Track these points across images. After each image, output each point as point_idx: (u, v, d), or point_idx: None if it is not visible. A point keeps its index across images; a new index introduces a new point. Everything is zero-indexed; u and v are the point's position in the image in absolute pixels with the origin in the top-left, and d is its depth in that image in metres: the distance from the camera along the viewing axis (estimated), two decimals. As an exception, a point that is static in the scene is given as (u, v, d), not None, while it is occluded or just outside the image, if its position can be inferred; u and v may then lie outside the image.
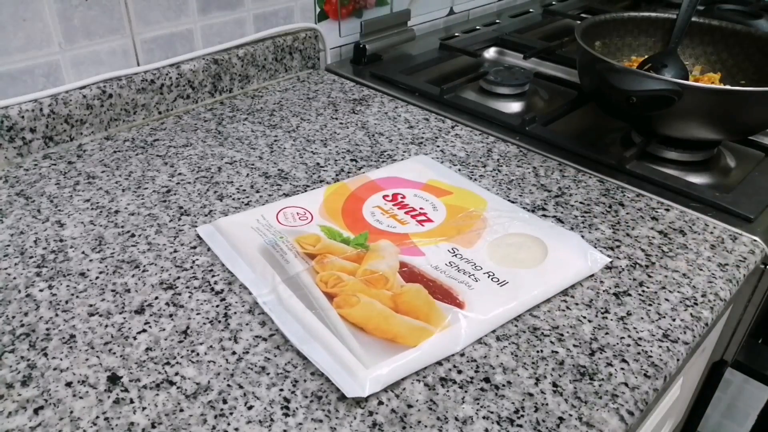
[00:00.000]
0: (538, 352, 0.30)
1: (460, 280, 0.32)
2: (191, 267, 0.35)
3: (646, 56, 0.58)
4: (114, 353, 0.29)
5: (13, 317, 0.31)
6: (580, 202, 0.42)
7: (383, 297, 0.31)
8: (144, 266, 0.35)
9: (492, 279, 0.33)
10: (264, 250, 0.34)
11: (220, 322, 0.31)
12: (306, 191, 0.42)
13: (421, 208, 0.38)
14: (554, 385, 0.28)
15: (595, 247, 0.37)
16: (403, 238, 0.36)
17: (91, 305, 0.32)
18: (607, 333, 0.31)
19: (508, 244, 0.35)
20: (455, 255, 0.34)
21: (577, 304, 0.33)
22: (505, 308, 0.31)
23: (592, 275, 0.35)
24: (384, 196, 0.39)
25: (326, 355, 0.28)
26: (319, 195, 0.40)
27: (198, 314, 0.31)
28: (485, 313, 0.30)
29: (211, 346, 0.29)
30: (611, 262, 0.36)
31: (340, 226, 0.36)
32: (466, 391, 0.27)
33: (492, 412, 0.27)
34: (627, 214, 0.41)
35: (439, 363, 0.29)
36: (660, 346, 0.30)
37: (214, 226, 0.37)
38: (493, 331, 0.31)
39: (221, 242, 0.36)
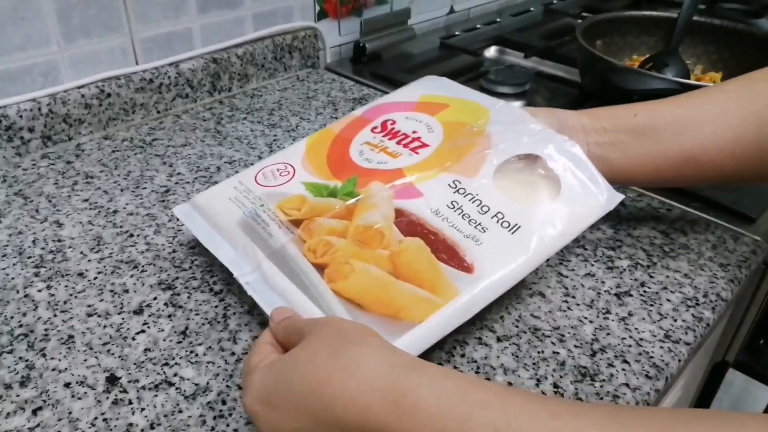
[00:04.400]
0: (539, 352, 0.30)
1: (465, 234, 0.28)
2: (190, 267, 0.35)
3: (648, 55, 0.58)
4: (113, 354, 0.29)
5: (12, 317, 0.31)
6: (581, 202, 0.42)
7: (380, 259, 0.27)
8: (143, 266, 0.34)
9: (502, 224, 0.28)
10: (244, 223, 0.30)
11: (219, 322, 0.31)
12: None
13: (414, 132, 0.32)
14: (555, 386, 0.28)
15: (596, 248, 0.37)
16: (396, 176, 0.30)
17: (89, 306, 0.32)
18: (608, 334, 0.31)
19: (517, 170, 0.30)
20: (457, 190, 0.29)
21: (578, 304, 0.33)
22: (518, 264, 0.27)
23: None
24: (373, 129, 0.33)
25: None
26: (300, 146, 0.34)
27: (197, 315, 0.31)
28: (497, 274, 0.27)
29: (210, 347, 0.29)
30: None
31: (326, 176, 0.31)
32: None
33: (493, 414, 0.26)
34: (628, 213, 0.41)
35: (440, 363, 0.29)
36: (661, 347, 0.30)
37: (191, 205, 0.33)
38: (494, 332, 0.31)
39: (199, 221, 0.32)
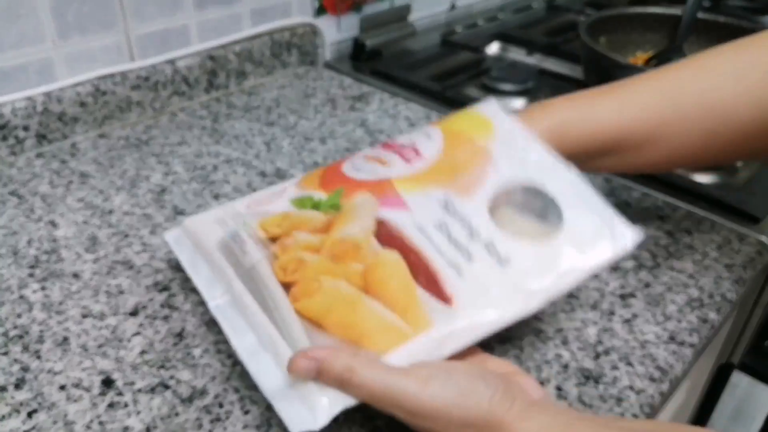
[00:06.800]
0: (541, 355, 0.29)
1: (449, 260, 0.24)
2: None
3: (652, 53, 0.57)
4: (108, 356, 0.28)
5: (6, 319, 0.30)
6: (584, 201, 0.42)
7: (352, 274, 0.24)
8: (138, 267, 0.34)
9: (491, 253, 0.25)
10: (223, 244, 0.27)
11: (215, 324, 0.30)
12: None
13: (411, 141, 0.29)
14: (558, 388, 0.28)
15: None
16: (383, 186, 0.27)
17: (84, 307, 0.31)
18: (612, 336, 0.30)
19: (515, 200, 0.27)
20: (447, 209, 0.26)
21: (581, 306, 0.32)
22: (504, 310, 0.24)
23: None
24: (371, 142, 0.32)
25: (276, 371, 0.23)
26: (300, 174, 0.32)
27: (194, 316, 0.31)
28: (482, 314, 0.24)
29: (206, 349, 0.29)
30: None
31: (314, 188, 0.29)
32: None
33: (494, 418, 0.26)
34: (633, 213, 0.41)
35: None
36: (666, 349, 0.30)
37: (181, 229, 0.30)
38: (496, 334, 0.30)
39: (186, 245, 0.30)
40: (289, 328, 0.24)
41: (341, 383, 0.21)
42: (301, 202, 0.28)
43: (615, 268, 0.35)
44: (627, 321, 0.31)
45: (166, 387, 0.27)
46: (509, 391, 0.21)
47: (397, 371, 0.21)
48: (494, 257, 0.25)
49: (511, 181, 0.27)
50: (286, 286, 0.25)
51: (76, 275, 0.33)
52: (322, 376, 0.21)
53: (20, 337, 0.29)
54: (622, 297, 0.33)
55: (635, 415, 0.27)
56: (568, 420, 0.21)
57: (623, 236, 0.26)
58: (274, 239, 0.27)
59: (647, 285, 0.34)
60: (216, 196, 0.41)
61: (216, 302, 0.27)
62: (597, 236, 0.26)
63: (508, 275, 0.25)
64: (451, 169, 0.28)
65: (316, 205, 0.28)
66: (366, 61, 0.62)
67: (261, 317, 0.25)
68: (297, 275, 0.25)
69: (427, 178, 0.28)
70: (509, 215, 0.26)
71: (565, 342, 0.30)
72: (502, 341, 0.30)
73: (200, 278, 0.28)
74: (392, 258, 0.25)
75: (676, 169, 0.31)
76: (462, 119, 0.31)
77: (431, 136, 0.29)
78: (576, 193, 0.27)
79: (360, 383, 0.21)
